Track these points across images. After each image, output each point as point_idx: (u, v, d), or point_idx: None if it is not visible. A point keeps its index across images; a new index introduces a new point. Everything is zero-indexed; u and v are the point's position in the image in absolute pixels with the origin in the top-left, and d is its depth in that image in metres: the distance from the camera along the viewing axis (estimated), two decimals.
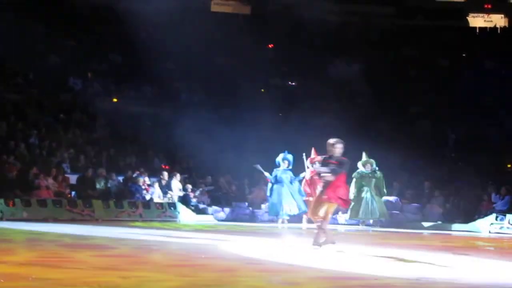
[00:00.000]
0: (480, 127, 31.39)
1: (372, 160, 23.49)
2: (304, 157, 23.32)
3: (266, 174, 23.12)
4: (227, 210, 25.11)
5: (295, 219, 22.99)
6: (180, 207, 23.84)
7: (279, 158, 23.00)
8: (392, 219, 24.71)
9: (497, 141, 30.01)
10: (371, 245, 14.22)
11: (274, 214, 23.20)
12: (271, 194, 23.02)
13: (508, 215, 24.39)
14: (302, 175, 23.19)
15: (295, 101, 32.91)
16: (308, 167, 23.14)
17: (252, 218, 24.47)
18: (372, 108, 30.92)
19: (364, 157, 23.49)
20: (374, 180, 23.41)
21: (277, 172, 22.93)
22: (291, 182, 22.98)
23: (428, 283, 7.59)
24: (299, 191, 22.82)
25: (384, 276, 7.83)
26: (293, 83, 35.66)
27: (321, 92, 31.69)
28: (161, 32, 30.70)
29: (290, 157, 23.11)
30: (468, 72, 34.79)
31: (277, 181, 22.90)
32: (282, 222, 22.90)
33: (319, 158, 12.62)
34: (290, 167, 23.09)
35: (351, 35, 32.94)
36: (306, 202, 23.70)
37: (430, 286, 7.54)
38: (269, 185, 23.07)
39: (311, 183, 23.08)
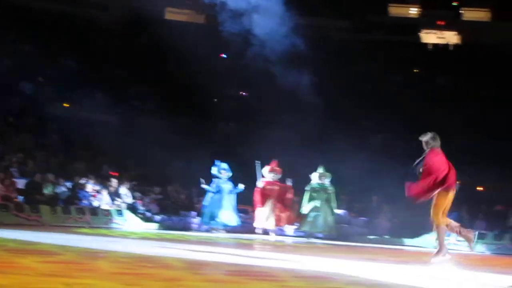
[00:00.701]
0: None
1: (328, 174, 23.60)
2: (258, 165, 23.50)
3: (210, 188, 23.15)
4: (175, 218, 25.03)
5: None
6: (128, 214, 23.69)
7: (214, 171, 23.05)
8: (340, 232, 24.83)
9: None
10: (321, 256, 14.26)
11: (208, 221, 23.17)
12: (209, 202, 23.04)
13: None
14: (240, 186, 23.30)
15: (249, 112, 32.99)
16: (263, 176, 23.35)
17: (200, 227, 24.40)
18: (325, 122, 31.05)
19: (321, 169, 23.57)
20: (326, 194, 23.51)
21: (218, 182, 22.98)
22: (230, 193, 23.07)
23: None
24: (234, 204, 23.00)
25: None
26: (247, 94, 35.73)
27: (274, 104, 31.77)
28: (114, 39, 30.60)
29: (225, 165, 23.19)
30: (421, 87, 35.15)
31: (218, 191, 22.96)
32: (216, 231, 22.92)
33: None
34: (230, 175, 23.17)
35: (306, 48, 33.04)
36: (255, 213, 23.84)
37: None
38: (209, 194, 23.09)
39: (264, 193, 23.28)
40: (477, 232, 24.51)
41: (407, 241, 25.18)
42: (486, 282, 10.78)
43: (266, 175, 23.43)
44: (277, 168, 23.57)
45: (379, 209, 27.29)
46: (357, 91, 34.33)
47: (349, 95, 32.22)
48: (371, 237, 25.60)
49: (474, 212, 26.05)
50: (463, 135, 31.97)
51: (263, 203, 23.26)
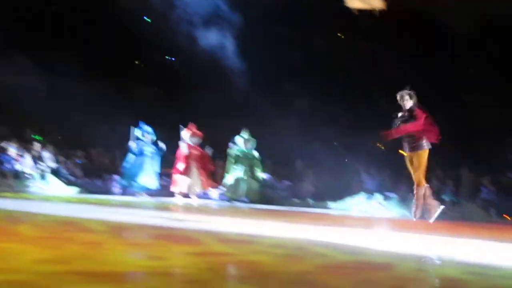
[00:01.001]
0: (353, 107, 31.96)
1: (252, 139, 23.66)
2: (182, 130, 23.45)
3: (131, 146, 23.04)
4: (98, 182, 24.84)
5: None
6: (51, 178, 23.42)
7: (138, 133, 22.95)
8: (263, 196, 24.97)
9: (371, 121, 30.56)
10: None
11: (127, 182, 23.11)
12: (130, 165, 22.94)
13: (377, 195, 25.01)
14: (162, 145, 23.20)
15: (173, 76, 32.77)
16: (184, 140, 23.31)
17: (124, 191, 24.27)
18: (249, 85, 31.02)
19: (245, 134, 23.61)
20: (250, 160, 23.58)
21: (141, 144, 22.88)
22: (153, 157, 23.01)
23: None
24: (156, 167, 22.96)
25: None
26: (172, 58, 35.44)
27: (198, 68, 31.62)
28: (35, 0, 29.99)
29: (148, 128, 23.12)
30: (345, 53, 35.29)
31: (140, 153, 22.87)
32: (139, 194, 22.88)
33: None
34: (154, 138, 23.10)
35: (229, 11, 32.84)
36: (177, 177, 23.79)
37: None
38: (130, 156, 22.98)
39: (185, 157, 23.24)
40: (398, 196, 24.94)
41: (330, 204, 25.45)
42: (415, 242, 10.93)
43: (187, 139, 23.38)
44: (198, 132, 23.51)
45: (303, 173, 27.50)
46: (282, 55, 34.30)
47: (274, 58, 32.19)
48: (295, 200, 25.80)
49: (396, 175, 26.41)
50: (384, 101, 32.32)
51: (184, 167, 23.24)
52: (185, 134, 23.25)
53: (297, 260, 7.27)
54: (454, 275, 6.92)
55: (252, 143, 23.55)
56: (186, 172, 23.04)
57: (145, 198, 22.20)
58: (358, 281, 6.05)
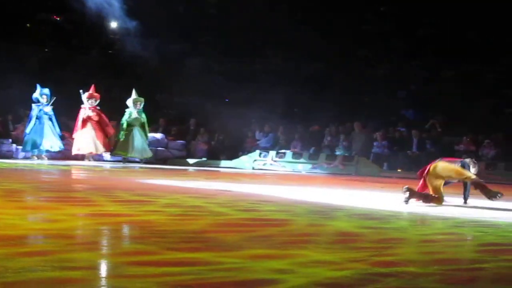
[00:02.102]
0: (248, 65, 32.00)
1: (142, 99, 23.44)
2: (81, 92, 23.05)
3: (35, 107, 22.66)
4: None
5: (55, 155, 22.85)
6: None
7: (36, 94, 22.54)
8: (157, 156, 24.89)
9: (265, 80, 30.67)
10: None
11: (31, 149, 22.72)
12: (30, 129, 22.54)
13: (271, 152, 25.22)
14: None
15: (63, 37, 32.10)
16: (84, 103, 22.95)
17: (17, 155, 23.75)
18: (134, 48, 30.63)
19: (134, 94, 23.38)
20: (140, 119, 23.41)
21: (37, 108, 22.47)
22: (50, 119, 22.62)
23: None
24: (55, 129, 22.61)
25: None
26: (59, 18, 34.64)
27: (88, 28, 31.01)
28: None
29: (47, 91, 22.71)
30: (238, 11, 35.17)
31: (37, 117, 22.45)
32: (39, 158, 22.52)
33: None
34: (50, 102, 22.71)
35: None
36: (70, 139, 23.46)
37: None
38: (31, 121, 22.58)
39: (83, 119, 22.91)
40: (292, 152, 25.20)
41: (223, 163, 25.56)
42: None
43: (85, 101, 23.06)
44: (95, 94, 23.20)
45: (196, 132, 27.48)
46: (172, 14, 33.93)
47: (162, 17, 31.76)
48: (189, 160, 25.78)
49: (290, 132, 26.66)
50: (278, 58, 32.46)
51: (82, 128, 22.95)
52: (84, 96, 22.91)
53: (193, 219, 7.25)
54: (348, 229, 7.03)
55: (141, 102, 23.31)
56: (83, 134, 22.76)
57: (40, 161, 21.83)
58: (252, 237, 6.07)
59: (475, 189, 10.32)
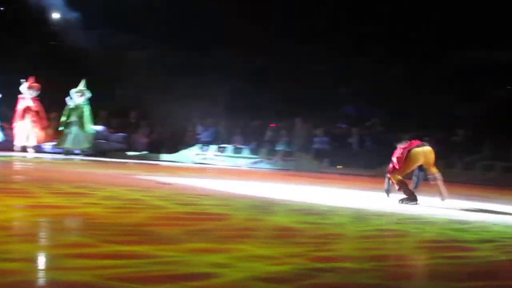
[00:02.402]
0: (193, 59, 31.87)
1: (88, 90, 23.20)
2: (23, 83, 22.68)
3: None
4: None
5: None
6: None
7: None
8: (97, 148, 24.68)
9: (208, 74, 30.58)
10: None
11: None
12: None
13: (212, 146, 25.20)
14: None
15: (3, 26, 31.62)
16: (24, 93, 22.57)
17: None
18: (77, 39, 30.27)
19: (82, 85, 23.12)
20: (82, 111, 23.17)
21: None
22: None
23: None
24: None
25: None
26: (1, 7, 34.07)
27: (31, 17, 30.58)
28: None
29: None
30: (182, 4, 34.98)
31: None
32: None
33: None
34: None
35: None
36: (9, 130, 23.14)
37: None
38: None
39: (23, 110, 22.56)
40: (233, 147, 25.22)
41: (164, 156, 25.46)
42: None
43: (25, 91, 22.73)
44: (35, 84, 22.90)
45: (137, 125, 27.32)
46: (115, 6, 33.59)
47: (105, 8, 31.38)
48: (129, 153, 25.63)
49: (231, 127, 26.66)
50: (221, 52, 32.42)
51: (21, 120, 22.64)
52: (24, 87, 22.59)
53: (131, 212, 7.21)
54: (288, 224, 7.05)
55: (87, 93, 23.08)
56: (23, 125, 22.45)
57: None
58: (191, 230, 6.05)
59: None
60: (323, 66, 31.09)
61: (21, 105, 22.72)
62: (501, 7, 29.56)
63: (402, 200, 10.38)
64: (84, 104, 23.16)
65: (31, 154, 22.36)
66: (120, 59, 30.74)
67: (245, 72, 29.59)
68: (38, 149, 23.59)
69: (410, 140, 11.38)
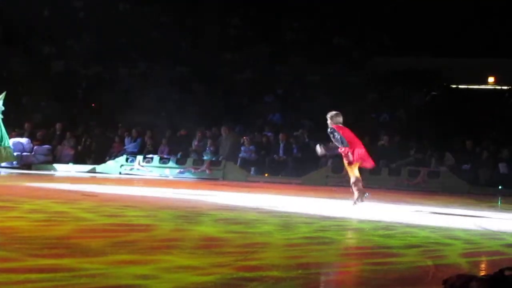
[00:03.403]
0: (114, 69, 31.71)
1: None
2: None
3: None
4: None
5: None
6: None
7: None
8: (22, 161, 24.28)
9: (132, 84, 30.40)
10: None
11: None
12: None
13: (138, 157, 25.04)
14: None
15: None
16: None
17: None
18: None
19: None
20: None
21: None
22: None
23: None
24: None
25: None
26: None
27: None
28: None
29: None
30: (102, 14, 34.75)
31: None
32: None
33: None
34: None
35: None
36: None
37: None
38: None
39: None
40: (159, 157, 25.10)
41: (90, 167, 25.22)
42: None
43: None
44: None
45: (63, 136, 26.98)
46: (37, 17, 33.18)
47: (28, 19, 30.97)
48: (55, 165, 25.31)
49: (157, 138, 26.54)
50: (143, 62, 32.30)
51: None
52: None
53: (56, 224, 7.14)
54: (214, 233, 7.07)
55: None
56: None
57: None
58: (117, 242, 6.02)
59: None
60: (247, 74, 31.25)
61: None
62: (423, 15, 30.19)
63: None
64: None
65: None
66: (44, 70, 30.48)
67: (168, 81, 29.52)
68: None
69: None
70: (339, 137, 11.80)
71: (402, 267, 5.52)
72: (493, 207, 14.54)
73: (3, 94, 22.58)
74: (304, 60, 30.57)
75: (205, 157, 25.15)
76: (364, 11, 31.84)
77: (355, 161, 11.72)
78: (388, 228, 8.35)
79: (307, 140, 25.05)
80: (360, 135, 24.76)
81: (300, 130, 25.72)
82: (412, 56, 30.59)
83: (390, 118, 27.21)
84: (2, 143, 22.72)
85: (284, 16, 33.05)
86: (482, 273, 5.19)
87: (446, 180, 22.24)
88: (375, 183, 22.18)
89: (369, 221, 9.23)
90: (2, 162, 22.81)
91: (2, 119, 22.48)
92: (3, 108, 22.63)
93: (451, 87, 30.88)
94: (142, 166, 24.86)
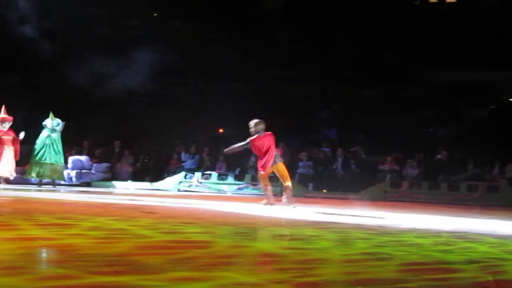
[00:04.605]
0: (170, 87, 32.00)
1: (58, 120, 23.00)
2: None
3: None
4: None
5: None
6: None
7: None
8: (82, 178, 24.61)
9: (187, 101, 30.70)
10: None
11: None
12: None
13: (196, 173, 25.19)
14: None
15: None
16: None
17: None
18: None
19: (51, 116, 22.91)
20: (55, 141, 23.00)
21: None
22: None
23: None
24: None
25: None
26: None
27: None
28: None
29: None
30: (159, 32, 35.13)
31: None
32: None
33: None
34: None
35: None
36: None
37: None
38: None
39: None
40: (217, 174, 25.21)
41: (148, 185, 25.44)
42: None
43: None
44: (8, 117, 22.63)
45: (121, 154, 27.29)
46: (94, 36, 33.60)
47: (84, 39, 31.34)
48: (114, 182, 25.60)
49: (214, 154, 26.67)
50: (197, 79, 32.54)
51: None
52: None
53: (115, 242, 7.19)
54: (272, 250, 7.05)
55: (58, 124, 22.77)
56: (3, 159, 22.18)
57: None
58: (175, 259, 6.04)
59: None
60: (302, 90, 31.26)
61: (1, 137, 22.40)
62: (479, 28, 29.86)
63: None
64: (57, 134, 22.89)
65: (6, 185, 22.19)
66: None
67: (224, 98, 29.69)
68: (10, 180, 23.38)
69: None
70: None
71: (462, 282, 5.44)
72: None
73: (51, 115, 22.92)
74: (358, 75, 30.51)
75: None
76: (417, 25, 31.67)
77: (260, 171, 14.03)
78: (447, 243, 8.24)
79: (363, 156, 24.98)
80: (413, 149, 24.68)
81: (357, 147, 25.68)
82: (469, 70, 30.31)
83: (447, 133, 26.97)
84: (60, 160, 23.11)
85: (337, 31, 33.01)
86: None
87: (505, 194, 21.98)
88: (434, 197, 22.03)
89: (428, 236, 9.13)
90: (55, 179, 23.21)
91: (61, 137, 22.89)
92: (59, 127, 22.97)
93: (510, 100, 30.52)
94: (201, 182, 25.01)
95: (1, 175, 22.54)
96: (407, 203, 21.28)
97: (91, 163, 26.35)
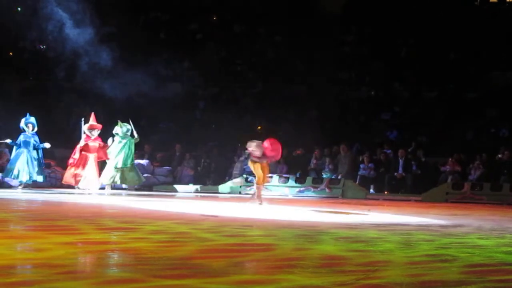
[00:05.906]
0: (230, 90, 32.09)
1: (126, 126, 23.01)
2: (82, 122, 22.53)
3: (7, 141, 22.57)
4: None
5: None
6: None
7: (22, 123, 22.29)
8: (144, 182, 24.68)
9: (247, 104, 30.78)
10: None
11: (6, 177, 22.64)
12: (13, 157, 22.42)
13: None
14: (46, 145, 22.70)
15: (46, 65, 31.96)
16: (84, 132, 22.37)
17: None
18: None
19: (120, 122, 22.92)
20: (127, 146, 23.00)
21: (22, 136, 22.28)
22: (34, 148, 22.37)
23: None
24: (38, 159, 22.38)
25: None
26: (43, 46, 34.41)
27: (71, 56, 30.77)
28: None
29: (33, 120, 22.45)
30: (218, 35, 35.27)
31: (22, 145, 22.26)
32: (24, 186, 22.36)
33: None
34: (35, 130, 22.45)
35: None
36: (55, 168, 23.23)
37: None
38: (14, 148, 22.46)
39: (84, 149, 22.32)
40: (278, 176, 25.20)
41: (209, 188, 25.54)
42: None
43: (87, 132, 22.41)
44: (97, 125, 22.56)
45: (182, 157, 27.44)
46: (154, 40, 33.86)
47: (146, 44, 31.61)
48: (176, 186, 25.75)
49: None
50: (259, 81, 32.54)
51: (82, 161, 22.34)
52: (85, 127, 22.32)
53: (179, 245, 7.24)
54: (335, 252, 7.03)
55: (126, 129, 22.80)
56: (81, 165, 22.21)
57: (25, 190, 21.62)
58: (239, 262, 6.06)
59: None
60: (364, 92, 31.08)
61: (83, 146, 22.28)
62: None
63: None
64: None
65: (76, 190, 22.29)
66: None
67: (285, 100, 29.71)
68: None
69: None
70: None
71: None
72: None
73: (119, 123, 23.01)
74: (420, 76, 30.24)
75: (324, 175, 25.14)
76: (479, 25, 31.28)
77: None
78: (510, 245, 8.14)
79: (423, 159, 24.79)
80: (476, 150, 24.37)
81: (413, 144, 25.56)
82: None
83: (509, 133, 26.55)
84: (130, 162, 23.15)
85: (399, 32, 32.77)
86: None
87: None
88: (496, 198, 21.74)
89: (492, 237, 9.02)
90: (130, 183, 23.32)
91: (134, 143, 23.00)
92: (129, 132, 23.05)
93: None
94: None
95: (92, 187, 22.32)
96: (469, 204, 21.07)
97: (152, 167, 26.56)
